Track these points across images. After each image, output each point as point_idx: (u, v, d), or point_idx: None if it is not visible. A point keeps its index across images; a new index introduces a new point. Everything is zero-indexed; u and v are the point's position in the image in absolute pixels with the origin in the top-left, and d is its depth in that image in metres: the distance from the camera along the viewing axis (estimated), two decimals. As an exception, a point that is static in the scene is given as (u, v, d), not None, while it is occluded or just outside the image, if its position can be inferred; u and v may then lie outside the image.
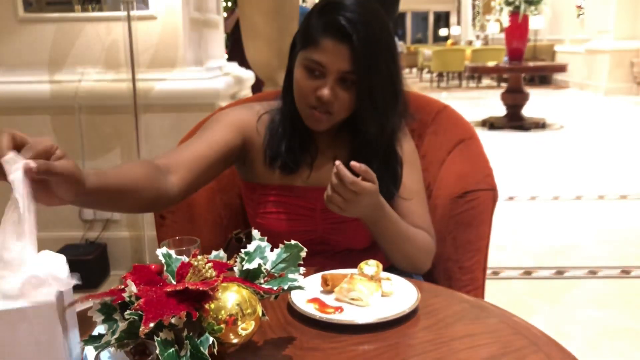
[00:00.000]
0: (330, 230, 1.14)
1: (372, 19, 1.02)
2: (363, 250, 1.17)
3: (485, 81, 12.92)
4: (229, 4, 5.11)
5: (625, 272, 2.71)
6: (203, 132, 1.10)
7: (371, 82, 1.03)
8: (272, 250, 0.82)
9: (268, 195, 1.16)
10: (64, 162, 0.74)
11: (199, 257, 0.75)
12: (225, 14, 3.95)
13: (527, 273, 2.72)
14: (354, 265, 0.99)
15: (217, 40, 3.04)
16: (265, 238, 0.83)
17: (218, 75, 2.68)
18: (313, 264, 1.06)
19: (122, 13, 2.35)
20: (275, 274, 0.80)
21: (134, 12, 2.36)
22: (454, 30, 18.28)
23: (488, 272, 1.29)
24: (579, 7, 11.00)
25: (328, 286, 0.95)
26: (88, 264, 2.42)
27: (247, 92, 3.19)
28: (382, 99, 1.05)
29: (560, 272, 2.72)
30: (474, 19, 16.87)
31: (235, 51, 4.72)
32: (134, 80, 2.36)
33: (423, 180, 1.22)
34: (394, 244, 1.09)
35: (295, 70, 1.08)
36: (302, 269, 0.80)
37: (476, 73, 10.49)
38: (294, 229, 1.13)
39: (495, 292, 2.48)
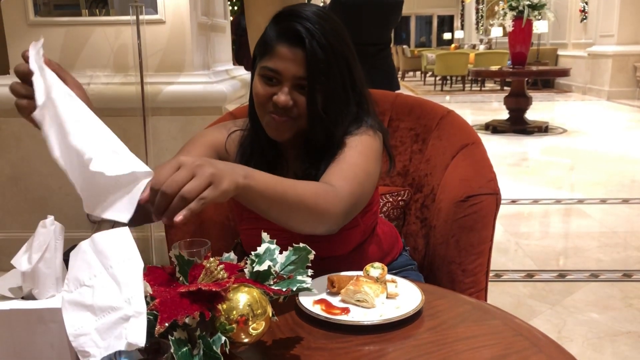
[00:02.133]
0: (309, 242, 1.12)
1: (327, 27, 1.02)
2: (346, 255, 1.16)
3: (489, 85, 12.91)
4: (235, 7, 5.14)
5: (627, 275, 2.72)
6: (180, 153, 1.11)
7: (323, 89, 1.02)
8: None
9: (246, 211, 1.15)
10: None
11: (211, 259, 0.77)
12: (231, 18, 3.97)
13: (529, 276, 2.73)
14: (338, 270, 1.00)
15: (224, 44, 3.07)
16: (275, 241, 0.85)
17: (225, 79, 2.71)
18: None
19: (131, 17, 2.38)
20: (284, 276, 0.82)
21: (143, 17, 2.39)
22: (458, 34, 18.28)
23: (491, 274, 1.31)
24: (582, 11, 11.00)
25: (334, 288, 0.97)
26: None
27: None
28: (332, 107, 1.04)
29: (562, 275, 2.73)
30: (477, 23, 16.87)
31: (242, 55, 4.75)
32: (142, 83, 2.39)
33: (422, 179, 1.20)
34: (281, 209, 0.92)
35: (253, 83, 1.08)
36: (310, 271, 0.83)
37: (479, 77, 10.48)
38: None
39: (497, 295, 2.50)
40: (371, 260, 1.09)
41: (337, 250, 1.15)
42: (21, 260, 0.73)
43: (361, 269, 1.00)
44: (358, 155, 1.06)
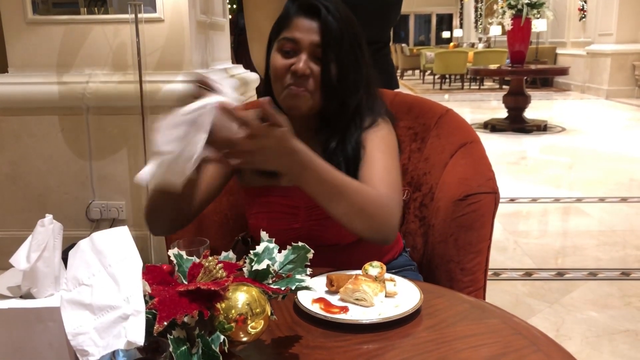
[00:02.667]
0: (315, 227, 1.15)
1: (340, 6, 1.11)
2: (350, 244, 1.17)
3: (487, 83, 12.91)
4: (234, 6, 5.14)
5: (625, 273, 2.72)
6: None
7: (336, 58, 1.08)
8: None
9: (257, 196, 1.19)
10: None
11: (210, 258, 0.77)
12: (230, 17, 3.97)
13: (528, 274, 2.74)
14: (342, 259, 1.02)
15: (223, 42, 3.07)
16: (274, 240, 0.85)
17: (224, 78, 2.71)
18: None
19: (130, 16, 2.37)
20: (283, 275, 0.82)
21: (142, 15, 2.39)
22: (457, 32, 18.28)
23: (489, 273, 1.31)
24: (581, 10, 11.00)
25: (333, 287, 0.97)
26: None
27: (252, 94, 3.21)
28: (345, 74, 1.10)
29: (560, 274, 2.74)
30: (476, 21, 16.86)
31: (241, 53, 4.75)
32: (140, 82, 2.39)
33: (421, 178, 1.22)
34: (331, 198, 0.99)
35: (270, 58, 1.13)
36: (309, 270, 0.83)
37: (478, 75, 10.48)
38: (279, 227, 1.15)
39: (496, 293, 2.50)
40: (372, 253, 1.10)
41: (345, 238, 1.15)
42: (20, 259, 0.73)
43: (362, 262, 1.00)
44: (390, 160, 1.13)
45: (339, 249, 1.16)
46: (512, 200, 3.97)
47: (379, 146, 1.14)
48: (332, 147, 1.13)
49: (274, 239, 0.85)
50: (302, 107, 1.11)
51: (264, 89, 1.19)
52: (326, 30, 1.07)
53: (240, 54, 4.73)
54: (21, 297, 0.74)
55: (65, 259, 0.75)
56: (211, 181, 1.17)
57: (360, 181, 1.07)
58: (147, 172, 0.83)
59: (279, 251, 0.83)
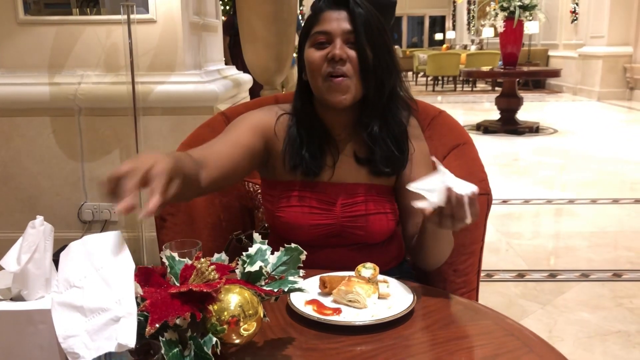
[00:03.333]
0: (349, 223, 1.17)
1: None
2: (378, 244, 1.21)
3: (480, 85, 12.96)
4: (227, 7, 5.14)
5: (617, 275, 2.74)
6: (227, 133, 1.15)
7: (368, 40, 1.12)
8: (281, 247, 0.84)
9: (290, 191, 1.19)
10: (173, 185, 0.78)
11: (202, 259, 0.77)
12: (224, 18, 3.97)
13: (521, 275, 2.75)
14: (369, 259, 1.02)
15: (216, 44, 3.06)
16: (266, 241, 0.85)
17: (217, 79, 2.70)
18: (329, 256, 1.14)
19: (122, 16, 2.36)
20: (276, 277, 0.82)
21: (134, 16, 2.38)
22: (449, 34, 18.33)
23: (482, 274, 1.31)
24: (573, 12, 11.07)
25: (326, 288, 0.97)
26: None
27: (245, 96, 3.21)
28: (380, 57, 1.13)
29: (552, 275, 2.75)
30: (469, 23, 16.92)
31: (235, 55, 4.75)
32: (133, 83, 2.38)
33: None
34: (441, 245, 1.11)
35: (305, 56, 1.16)
36: (301, 272, 0.83)
37: (471, 77, 10.51)
38: (313, 221, 1.16)
39: (489, 295, 2.51)
40: (390, 256, 1.16)
41: (372, 238, 1.19)
42: (10, 261, 0.72)
43: (377, 264, 1.00)
44: None
45: (362, 247, 1.19)
46: (504, 201, 3.98)
47: (423, 167, 1.20)
48: (376, 131, 1.17)
49: (266, 241, 0.85)
50: (346, 98, 1.13)
51: (300, 98, 1.20)
52: (356, 17, 1.12)
53: (236, 55, 4.73)
54: (11, 299, 0.73)
55: (56, 261, 0.74)
56: (233, 149, 1.11)
57: (416, 212, 1.07)
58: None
59: (309, 246, 0.83)
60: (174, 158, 0.82)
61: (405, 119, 1.22)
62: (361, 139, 1.19)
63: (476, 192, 0.91)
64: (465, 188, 0.91)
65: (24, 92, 2.49)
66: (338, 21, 1.12)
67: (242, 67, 3.40)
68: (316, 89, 1.15)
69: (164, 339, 0.68)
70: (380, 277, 0.99)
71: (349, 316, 0.90)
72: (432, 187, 0.92)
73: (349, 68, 1.11)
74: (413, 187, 0.94)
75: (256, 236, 0.86)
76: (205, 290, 0.70)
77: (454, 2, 18.35)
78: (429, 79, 12.59)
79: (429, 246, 1.10)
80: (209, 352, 0.69)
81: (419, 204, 0.92)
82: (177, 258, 0.80)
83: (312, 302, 0.93)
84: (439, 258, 1.14)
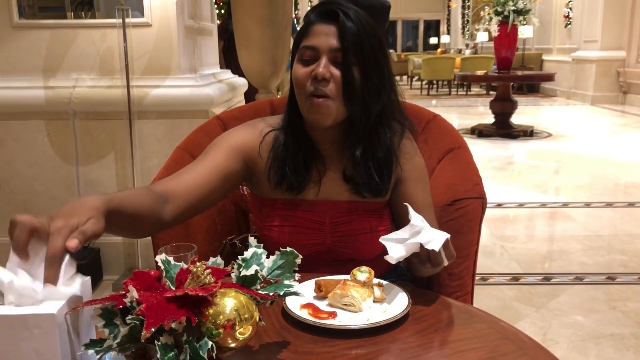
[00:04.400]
0: (338, 243, 1.15)
1: (359, 10, 1.10)
2: (365, 261, 1.16)
3: (475, 89, 13.01)
4: (222, 11, 5.14)
5: (611, 278, 2.75)
6: (205, 156, 1.11)
7: (357, 62, 1.06)
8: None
9: (275, 209, 1.16)
10: (90, 224, 0.77)
11: (198, 263, 0.77)
12: (218, 22, 3.97)
13: (515, 279, 2.76)
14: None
15: (211, 47, 3.06)
16: (262, 245, 0.85)
17: (212, 83, 2.71)
18: (319, 273, 1.09)
19: (117, 20, 2.36)
20: (271, 280, 0.82)
21: (129, 20, 2.38)
22: (444, 38, 18.40)
23: (476, 278, 1.32)
24: (567, 17, 11.13)
25: (321, 292, 0.97)
26: (81, 268, 2.41)
27: (240, 99, 3.21)
28: (367, 78, 1.07)
29: (547, 278, 2.76)
30: (463, 27, 16.99)
31: (230, 59, 4.75)
32: (128, 86, 2.38)
33: None
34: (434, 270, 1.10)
35: (292, 71, 1.11)
36: (297, 275, 0.83)
37: (465, 81, 10.57)
38: (301, 242, 1.13)
39: (483, 298, 2.51)
40: (385, 265, 1.11)
41: (363, 255, 1.17)
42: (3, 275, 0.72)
43: (375, 270, 1.00)
44: (428, 195, 1.20)
45: (355, 264, 1.15)
46: (499, 205, 4.00)
47: (422, 189, 1.19)
48: (358, 155, 1.12)
49: (262, 245, 0.85)
50: (326, 119, 1.08)
51: (290, 108, 1.16)
52: (344, 34, 1.05)
53: (230, 59, 4.74)
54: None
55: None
56: (207, 177, 1.08)
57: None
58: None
59: (300, 266, 0.83)
60: (105, 201, 0.82)
61: (397, 137, 1.17)
62: (348, 156, 1.15)
63: (448, 238, 0.93)
64: (438, 240, 0.92)
65: (18, 96, 2.48)
66: (327, 36, 1.07)
67: (236, 71, 3.40)
68: (301, 106, 1.11)
69: (159, 343, 0.68)
70: (376, 280, 1.00)
71: (345, 320, 0.90)
72: (402, 239, 0.95)
73: (332, 88, 1.06)
74: (383, 239, 0.96)
75: (252, 240, 0.86)
76: (200, 294, 0.70)
77: (449, 6, 18.43)
78: (424, 83, 12.63)
79: (419, 269, 1.10)
80: (205, 356, 0.69)
81: (386, 257, 0.95)
82: (172, 262, 0.80)
83: (308, 305, 0.94)
84: (432, 272, 1.13)
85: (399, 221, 1.18)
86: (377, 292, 0.97)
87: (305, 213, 1.15)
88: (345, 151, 1.15)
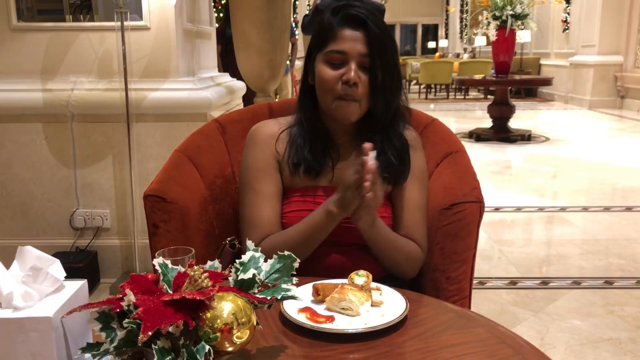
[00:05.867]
0: (346, 225, 1.19)
1: (377, 13, 1.18)
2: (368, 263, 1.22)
3: (472, 93, 13.03)
4: (220, 15, 5.14)
5: (609, 282, 2.75)
6: (260, 187, 1.23)
7: (382, 63, 1.15)
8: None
9: (292, 196, 1.24)
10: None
11: (195, 267, 0.77)
12: (216, 25, 3.97)
13: (513, 283, 2.76)
14: (362, 257, 1.07)
15: (210, 51, 3.06)
16: (259, 249, 0.85)
17: (210, 86, 2.71)
18: (327, 254, 1.19)
19: (116, 23, 2.36)
20: (269, 284, 0.82)
21: (127, 23, 2.38)
22: (442, 42, 18.43)
23: (474, 282, 1.32)
24: (565, 21, 11.17)
25: (319, 296, 0.97)
26: (78, 271, 2.42)
27: (238, 103, 3.21)
28: (389, 79, 1.17)
29: (544, 282, 2.76)
30: (461, 32, 17.03)
31: (227, 63, 4.76)
32: (126, 89, 2.38)
33: None
34: (382, 250, 1.20)
35: (317, 70, 1.18)
36: (295, 279, 0.83)
37: (463, 85, 10.58)
38: None
39: (481, 302, 2.51)
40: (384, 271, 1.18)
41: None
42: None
43: (376, 269, 1.01)
44: (424, 197, 1.28)
45: (360, 248, 1.22)
46: (496, 209, 4.00)
47: (420, 189, 1.26)
48: (377, 143, 1.18)
49: (259, 249, 0.85)
50: (352, 117, 1.18)
51: (304, 100, 1.25)
52: (372, 40, 1.14)
53: (227, 63, 4.74)
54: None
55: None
56: (280, 203, 1.24)
57: (402, 220, 1.23)
58: None
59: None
60: None
61: (405, 130, 1.27)
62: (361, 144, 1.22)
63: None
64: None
65: (16, 98, 2.48)
66: (354, 42, 1.14)
67: (233, 74, 3.40)
68: (324, 103, 1.19)
69: (156, 347, 0.68)
70: (373, 284, 1.00)
71: (342, 324, 0.90)
72: None
73: (360, 91, 1.15)
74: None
75: (249, 243, 0.86)
76: (198, 298, 0.70)
77: (447, 10, 18.47)
78: (422, 87, 12.65)
79: (376, 253, 1.20)
80: (202, 360, 0.69)
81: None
82: (170, 265, 0.80)
83: (305, 309, 0.93)
84: (391, 264, 1.21)
85: (396, 215, 1.26)
86: (375, 296, 0.97)
87: (320, 198, 1.21)
88: (359, 139, 1.21)
